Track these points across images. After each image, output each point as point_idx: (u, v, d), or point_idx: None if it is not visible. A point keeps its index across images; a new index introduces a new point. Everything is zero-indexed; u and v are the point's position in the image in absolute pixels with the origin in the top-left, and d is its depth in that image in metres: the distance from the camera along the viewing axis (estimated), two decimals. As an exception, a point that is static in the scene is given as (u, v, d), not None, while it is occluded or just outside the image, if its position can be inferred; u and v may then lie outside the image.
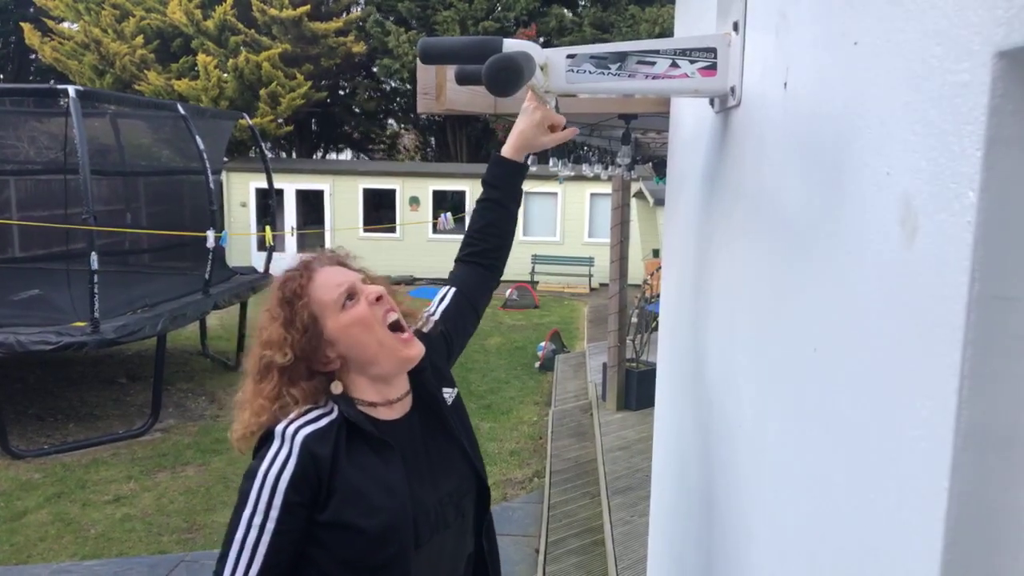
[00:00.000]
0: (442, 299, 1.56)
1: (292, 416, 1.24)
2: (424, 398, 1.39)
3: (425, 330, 1.47)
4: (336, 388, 1.29)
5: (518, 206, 1.60)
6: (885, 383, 0.66)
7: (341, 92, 22.26)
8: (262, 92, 17.12)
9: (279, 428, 1.23)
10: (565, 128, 1.49)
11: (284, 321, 1.26)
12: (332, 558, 1.22)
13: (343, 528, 1.21)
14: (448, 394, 1.44)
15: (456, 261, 1.61)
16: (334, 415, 1.26)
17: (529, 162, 1.62)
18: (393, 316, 1.31)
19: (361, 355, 1.28)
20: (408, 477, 1.27)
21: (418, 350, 1.32)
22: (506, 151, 1.52)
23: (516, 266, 14.90)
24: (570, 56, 1.20)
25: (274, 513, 1.18)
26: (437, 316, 1.53)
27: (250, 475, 1.22)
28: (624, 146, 3.69)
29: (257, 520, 1.18)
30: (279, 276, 1.34)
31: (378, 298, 1.29)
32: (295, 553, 1.21)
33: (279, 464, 1.20)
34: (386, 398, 1.32)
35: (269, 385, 1.26)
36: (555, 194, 14.78)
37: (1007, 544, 0.55)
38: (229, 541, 1.19)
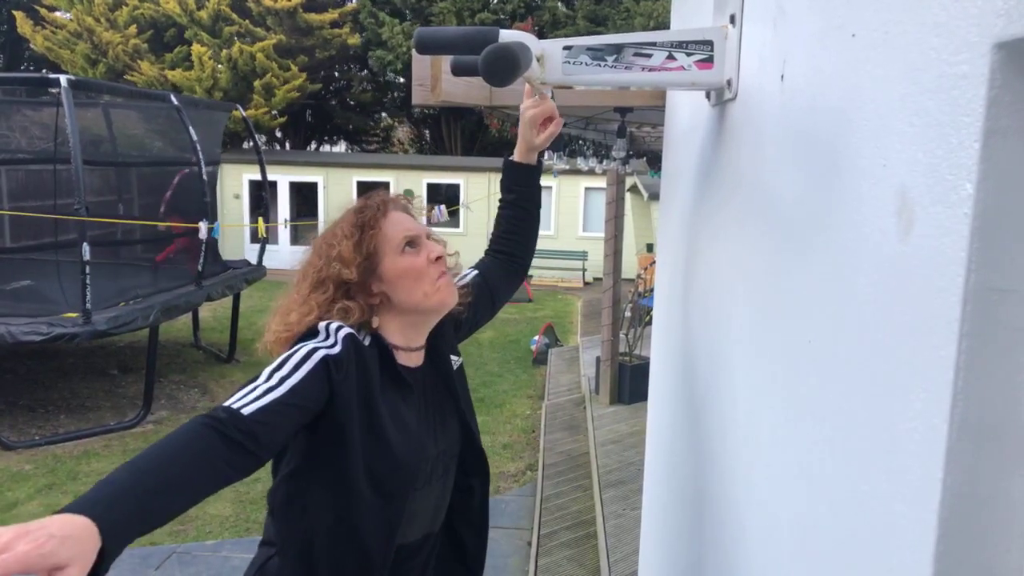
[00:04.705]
0: (462, 278, 1.59)
1: (335, 320, 1.29)
2: (434, 357, 1.44)
3: None
4: (374, 323, 1.35)
5: (538, 206, 1.64)
6: (880, 375, 0.66)
7: (335, 84, 22.17)
8: (256, 83, 17.02)
9: (323, 324, 1.28)
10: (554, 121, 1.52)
11: (356, 243, 1.33)
12: (339, 479, 1.25)
13: (352, 450, 1.23)
14: (454, 361, 1.49)
15: (485, 252, 1.67)
16: (368, 341, 1.32)
17: (545, 159, 1.66)
18: (443, 272, 1.38)
19: (404, 300, 1.35)
20: (418, 423, 1.34)
21: (455, 298, 1.39)
22: (515, 155, 1.58)
23: (510, 260, 14.86)
24: (567, 48, 1.19)
25: (300, 373, 1.18)
26: None
27: (289, 349, 1.24)
28: (619, 139, 3.68)
29: (280, 373, 1.18)
30: (357, 202, 1.41)
31: (438, 258, 1.37)
32: (293, 429, 1.18)
33: (323, 344, 1.24)
34: (409, 344, 1.38)
35: (324, 296, 1.32)
36: (549, 188, 14.77)
37: (1000, 536, 0.55)
38: (243, 386, 1.17)
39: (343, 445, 1.23)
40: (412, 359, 1.39)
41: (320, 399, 1.20)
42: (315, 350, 1.21)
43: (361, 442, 1.24)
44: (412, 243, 1.36)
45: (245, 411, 1.11)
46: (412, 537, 1.37)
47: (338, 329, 1.26)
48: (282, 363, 1.20)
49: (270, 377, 1.17)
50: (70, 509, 0.86)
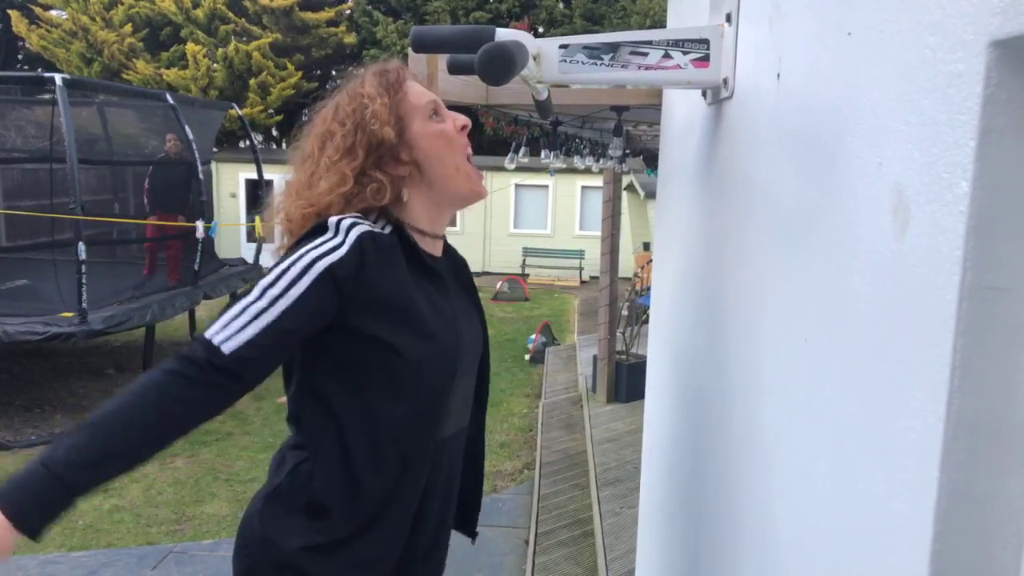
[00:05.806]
0: None
1: (348, 214, 1.18)
2: (453, 257, 1.39)
3: None
4: (405, 195, 1.24)
5: None
6: (876, 374, 0.66)
7: (332, 83, 22.15)
8: (252, 82, 16.99)
9: (333, 219, 1.15)
10: None
11: (388, 102, 1.22)
12: (377, 378, 1.17)
13: (391, 346, 1.14)
14: None
15: None
16: (388, 230, 1.21)
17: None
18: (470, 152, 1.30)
19: (437, 169, 1.25)
20: (452, 311, 1.27)
21: (484, 189, 1.31)
22: None
23: (507, 259, 14.88)
24: (563, 46, 1.19)
25: (295, 292, 1.07)
26: None
27: (287, 254, 1.13)
28: (616, 138, 3.68)
29: (273, 291, 1.07)
30: (374, 65, 1.29)
31: (463, 127, 1.29)
32: (286, 354, 1.11)
33: (326, 248, 1.12)
34: (434, 229, 1.29)
35: (354, 164, 1.20)
36: (546, 187, 14.77)
37: (996, 534, 0.55)
38: (233, 306, 1.07)
39: (378, 342, 1.14)
40: (435, 248, 1.30)
41: (325, 312, 1.10)
42: (315, 261, 1.10)
43: (399, 334, 1.15)
44: (437, 111, 1.27)
45: (226, 347, 1.02)
46: (449, 431, 1.29)
47: (351, 227, 1.14)
48: (276, 278, 1.09)
49: (262, 295, 1.07)
50: None
